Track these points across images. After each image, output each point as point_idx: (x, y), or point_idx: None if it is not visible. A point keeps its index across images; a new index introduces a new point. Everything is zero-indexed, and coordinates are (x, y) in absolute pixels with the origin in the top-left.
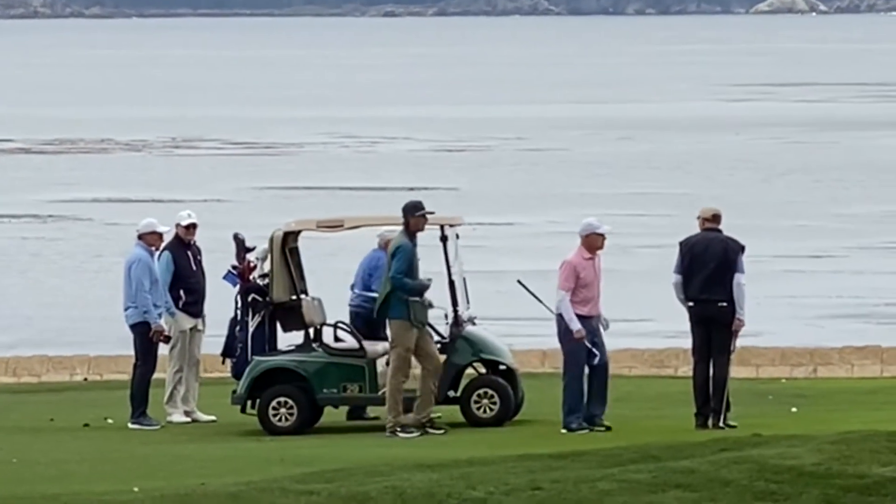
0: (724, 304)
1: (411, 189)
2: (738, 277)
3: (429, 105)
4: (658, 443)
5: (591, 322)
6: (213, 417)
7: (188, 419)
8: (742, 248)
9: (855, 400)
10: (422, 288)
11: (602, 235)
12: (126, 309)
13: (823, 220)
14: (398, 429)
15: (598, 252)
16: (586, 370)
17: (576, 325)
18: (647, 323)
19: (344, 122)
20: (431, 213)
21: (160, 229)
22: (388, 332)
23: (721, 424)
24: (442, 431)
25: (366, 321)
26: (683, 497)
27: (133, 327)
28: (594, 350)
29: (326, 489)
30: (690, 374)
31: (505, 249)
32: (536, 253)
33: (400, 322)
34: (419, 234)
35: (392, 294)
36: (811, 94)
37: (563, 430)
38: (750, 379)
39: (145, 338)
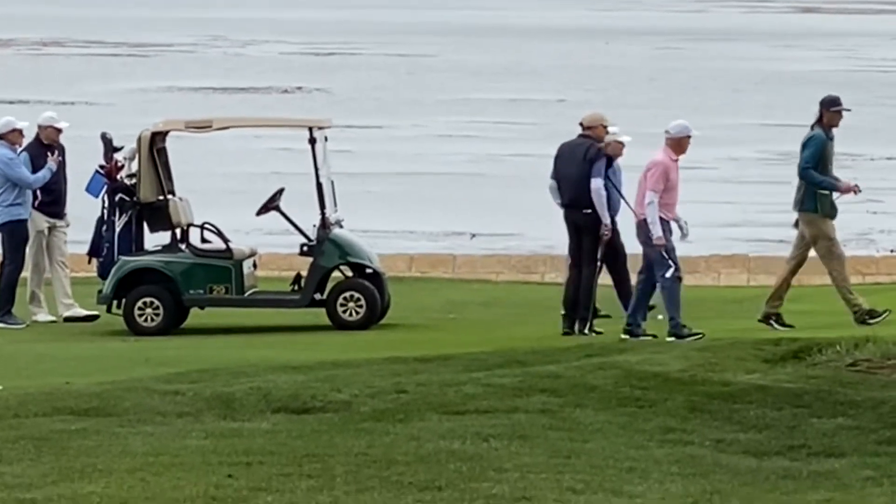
0: (589, 210)
1: (284, 91)
2: (592, 183)
3: (300, 9)
4: (524, 348)
5: (669, 225)
6: (95, 313)
7: (53, 318)
8: (601, 154)
9: (721, 309)
10: (829, 186)
11: (690, 137)
12: None
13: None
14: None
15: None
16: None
17: (658, 232)
18: (516, 230)
19: (214, 23)
20: (848, 109)
21: (19, 125)
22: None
23: (586, 331)
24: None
25: None
26: (548, 401)
27: (3, 226)
28: (671, 260)
29: (191, 389)
30: (557, 280)
31: (373, 153)
32: (405, 157)
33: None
34: None
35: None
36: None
37: (670, 339)
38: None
39: (14, 236)
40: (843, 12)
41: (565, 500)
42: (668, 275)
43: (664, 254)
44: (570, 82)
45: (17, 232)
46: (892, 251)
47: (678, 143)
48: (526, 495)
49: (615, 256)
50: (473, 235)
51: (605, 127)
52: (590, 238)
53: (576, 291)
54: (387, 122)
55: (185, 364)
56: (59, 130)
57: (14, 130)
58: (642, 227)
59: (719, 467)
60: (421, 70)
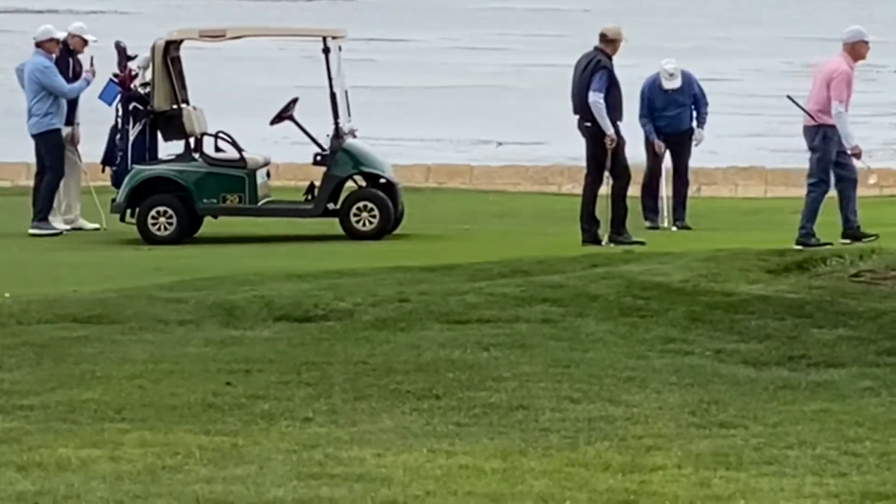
0: (589, 123)
1: None
2: (590, 96)
3: None
4: (529, 258)
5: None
6: (96, 225)
7: (68, 227)
8: (602, 66)
9: (736, 220)
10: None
11: (868, 44)
12: (30, 118)
13: (718, 43)
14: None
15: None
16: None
17: (853, 141)
18: (542, 139)
19: None
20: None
21: (58, 35)
22: None
23: (606, 242)
24: None
25: None
26: (550, 311)
27: (39, 136)
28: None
29: (194, 297)
30: (575, 191)
31: (399, 64)
32: (430, 68)
33: None
34: None
35: None
36: None
37: (797, 246)
38: (633, 197)
39: (50, 145)
40: None
41: (562, 409)
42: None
43: (858, 160)
44: None
45: (52, 141)
46: None
47: (853, 49)
48: (523, 404)
49: (619, 170)
50: (500, 144)
51: (620, 40)
52: (590, 149)
53: (589, 200)
54: (411, 35)
55: (195, 272)
56: (85, 42)
57: (52, 39)
58: (811, 132)
59: (718, 377)
60: None
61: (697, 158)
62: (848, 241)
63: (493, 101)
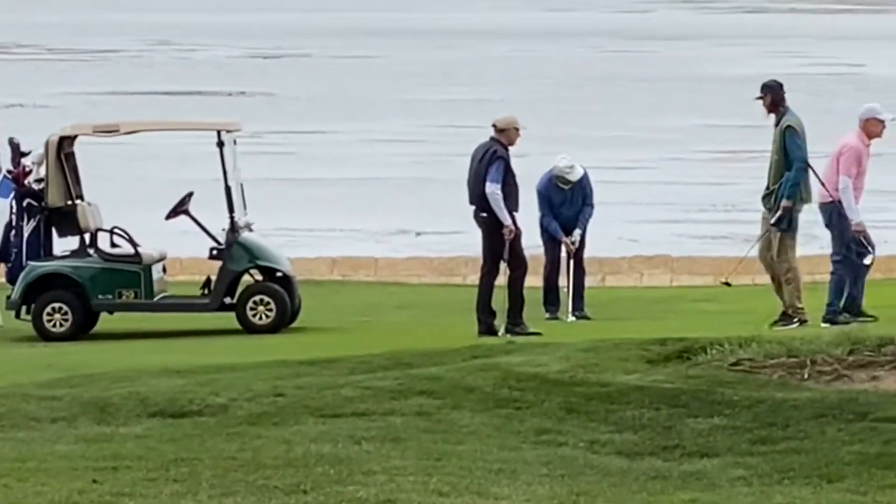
0: (485, 214)
1: (229, 94)
2: (487, 187)
3: (246, 11)
4: (412, 350)
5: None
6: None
7: None
8: (498, 157)
9: (637, 309)
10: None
11: (883, 122)
12: None
13: (635, 131)
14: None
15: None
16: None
17: (857, 216)
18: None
19: (160, 27)
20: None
21: None
22: None
23: (503, 333)
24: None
25: None
26: (426, 403)
27: None
28: (870, 246)
29: (69, 394)
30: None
31: (318, 157)
32: (349, 161)
33: None
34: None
35: None
36: (633, 4)
37: (824, 325)
38: (531, 287)
39: None
40: (793, 11)
41: (430, 503)
42: (866, 261)
43: (863, 239)
44: (513, 84)
45: None
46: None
47: (865, 126)
48: (391, 498)
49: (516, 261)
50: (419, 234)
51: (517, 129)
52: (487, 240)
53: (485, 291)
54: (331, 127)
55: (84, 369)
56: None
57: None
58: (827, 209)
59: (590, 468)
60: (366, 72)
61: (604, 248)
62: (848, 317)
63: (413, 192)
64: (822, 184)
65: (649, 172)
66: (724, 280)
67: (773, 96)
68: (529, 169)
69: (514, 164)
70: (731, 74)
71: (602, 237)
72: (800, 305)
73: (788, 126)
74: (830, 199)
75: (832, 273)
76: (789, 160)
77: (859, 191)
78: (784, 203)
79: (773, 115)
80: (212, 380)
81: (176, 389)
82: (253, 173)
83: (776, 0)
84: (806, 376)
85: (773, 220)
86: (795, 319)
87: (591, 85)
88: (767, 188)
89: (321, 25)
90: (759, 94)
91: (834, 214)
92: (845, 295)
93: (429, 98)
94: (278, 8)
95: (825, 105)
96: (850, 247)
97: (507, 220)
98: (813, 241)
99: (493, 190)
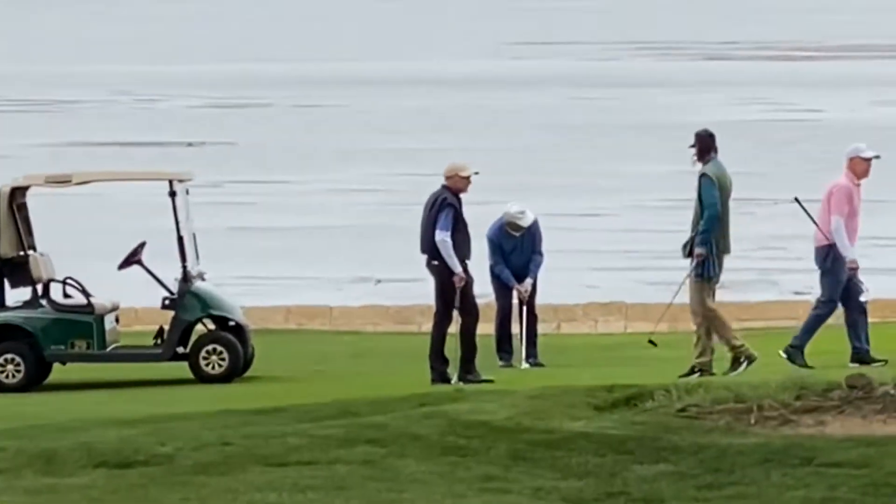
0: (436, 262)
1: (189, 144)
2: (437, 235)
3: (207, 62)
4: (360, 398)
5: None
6: None
7: None
8: (447, 205)
9: (591, 356)
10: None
11: (868, 161)
12: None
13: (597, 178)
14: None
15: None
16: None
17: (851, 255)
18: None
19: (121, 77)
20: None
21: None
22: None
23: (456, 381)
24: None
25: None
26: (372, 451)
27: None
28: (863, 285)
29: (15, 445)
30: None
31: (280, 207)
32: (308, 209)
33: None
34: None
35: None
36: (595, 52)
37: (783, 355)
38: (484, 335)
39: None
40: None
41: None
42: (862, 299)
43: (858, 278)
44: (476, 132)
45: None
46: (795, 293)
47: (851, 164)
48: None
49: (468, 309)
50: (378, 281)
51: (464, 177)
52: (438, 288)
53: (436, 340)
54: (291, 176)
55: (33, 420)
56: None
57: None
58: (822, 252)
59: None
60: (326, 121)
61: (561, 295)
62: (856, 364)
63: (373, 240)
64: (818, 226)
65: (610, 220)
66: (649, 339)
67: (701, 145)
68: (490, 217)
69: (473, 211)
70: (695, 121)
71: (560, 284)
72: (737, 343)
73: (703, 174)
74: (826, 242)
75: (813, 309)
76: (702, 208)
77: (853, 232)
78: (697, 251)
79: (699, 164)
80: (159, 429)
81: (123, 439)
82: (214, 223)
83: (738, 47)
84: (753, 421)
85: (691, 268)
86: (742, 360)
87: (555, 132)
88: (690, 236)
89: (280, 75)
90: (691, 142)
91: (829, 258)
92: (852, 349)
93: (390, 147)
94: (238, 58)
95: (784, 151)
96: (838, 291)
97: (458, 268)
98: (772, 287)
99: (442, 238)
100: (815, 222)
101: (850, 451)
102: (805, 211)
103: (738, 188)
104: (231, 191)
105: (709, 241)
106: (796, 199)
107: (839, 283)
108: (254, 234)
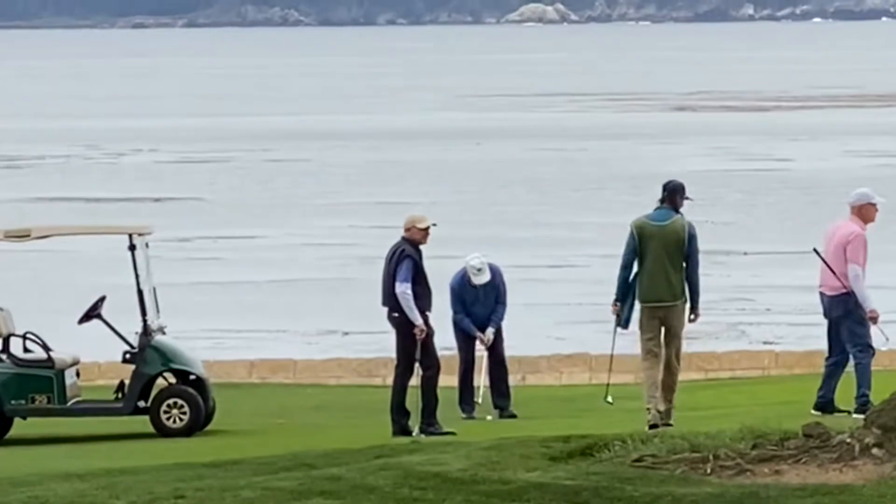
0: (397, 314)
1: (156, 200)
2: (397, 287)
3: (174, 117)
4: (316, 450)
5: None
6: None
7: None
8: (406, 256)
9: (554, 408)
10: None
11: (876, 206)
12: None
13: (565, 230)
14: None
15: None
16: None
17: (871, 304)
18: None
19: (87, 133)
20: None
21: None
22: None
23: (417, 433)
24: None
25: None
26: None
27: None
28: (884, 333)
29: None
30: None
31: (246, 261)
32: (277, 264)
33: None
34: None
35: None
36: (562, 104)
37: (855, 415)
38: (445, 387)
39: None
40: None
41: None
42: (883, 348)
43: (879, 327)
44: (440, 185)
45: None
46: (764, 343)
47: (860, 211)
48: None
49: (429, 361)
50: (346, 334)
51: (421, 228)
52: (400, 340)
53: (398, 391)
54: (257, 231)
55: None
56: None
57: None
58: (842, 302)
59: None
60: (291, 175)
61: (527, 346)
62: (818, 413)
63: (339, 293)
64: (836, 275)
65: (576, 271)
66: (605, 398)
67: (669, 195)
68: (454, 270)
69: (438, 264)
70: (664, 172)
71: (525, 336)
72: (646, 405)
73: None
74: (845, 291)
75: (857, 363)
76: None
77: (865, 278)
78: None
79: None
80: (112, 483)
81: (76, 494)
82: (181, 278)
83: (708, 98)
84: (708, 471)
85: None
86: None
87: (520, 185)
88: None
89: (245, 129)
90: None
91: (851, 303)
92: (817, 397)
93: (354, 200)
94: (203, 113)
95: (754, 202)
96: (870, 333)
97: (419, 320)
98: (741, 337)
99: (402, 289)
100: (834, 272)
101: (805, 500)
102: (824, 261)
103: (707, 239)
104: (197, 246)
105: (618, 291)
106: (815, 250)
107: (865, 325)
108: (220, 289)
